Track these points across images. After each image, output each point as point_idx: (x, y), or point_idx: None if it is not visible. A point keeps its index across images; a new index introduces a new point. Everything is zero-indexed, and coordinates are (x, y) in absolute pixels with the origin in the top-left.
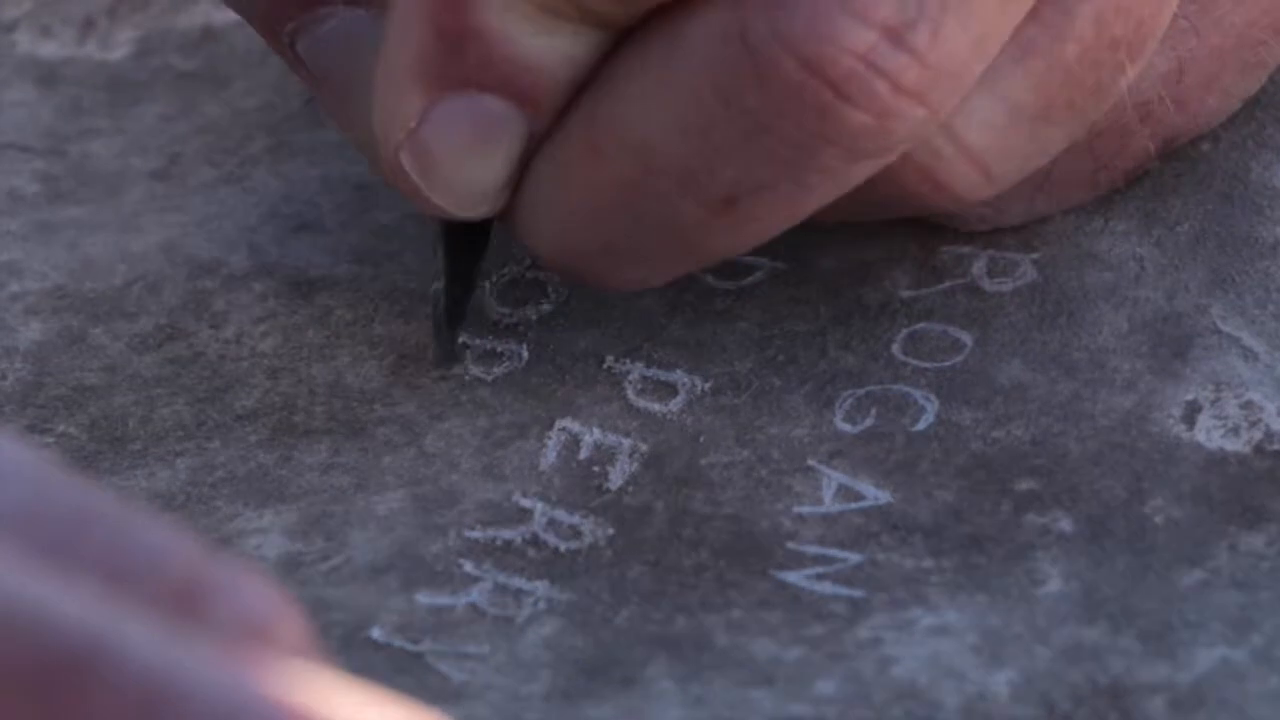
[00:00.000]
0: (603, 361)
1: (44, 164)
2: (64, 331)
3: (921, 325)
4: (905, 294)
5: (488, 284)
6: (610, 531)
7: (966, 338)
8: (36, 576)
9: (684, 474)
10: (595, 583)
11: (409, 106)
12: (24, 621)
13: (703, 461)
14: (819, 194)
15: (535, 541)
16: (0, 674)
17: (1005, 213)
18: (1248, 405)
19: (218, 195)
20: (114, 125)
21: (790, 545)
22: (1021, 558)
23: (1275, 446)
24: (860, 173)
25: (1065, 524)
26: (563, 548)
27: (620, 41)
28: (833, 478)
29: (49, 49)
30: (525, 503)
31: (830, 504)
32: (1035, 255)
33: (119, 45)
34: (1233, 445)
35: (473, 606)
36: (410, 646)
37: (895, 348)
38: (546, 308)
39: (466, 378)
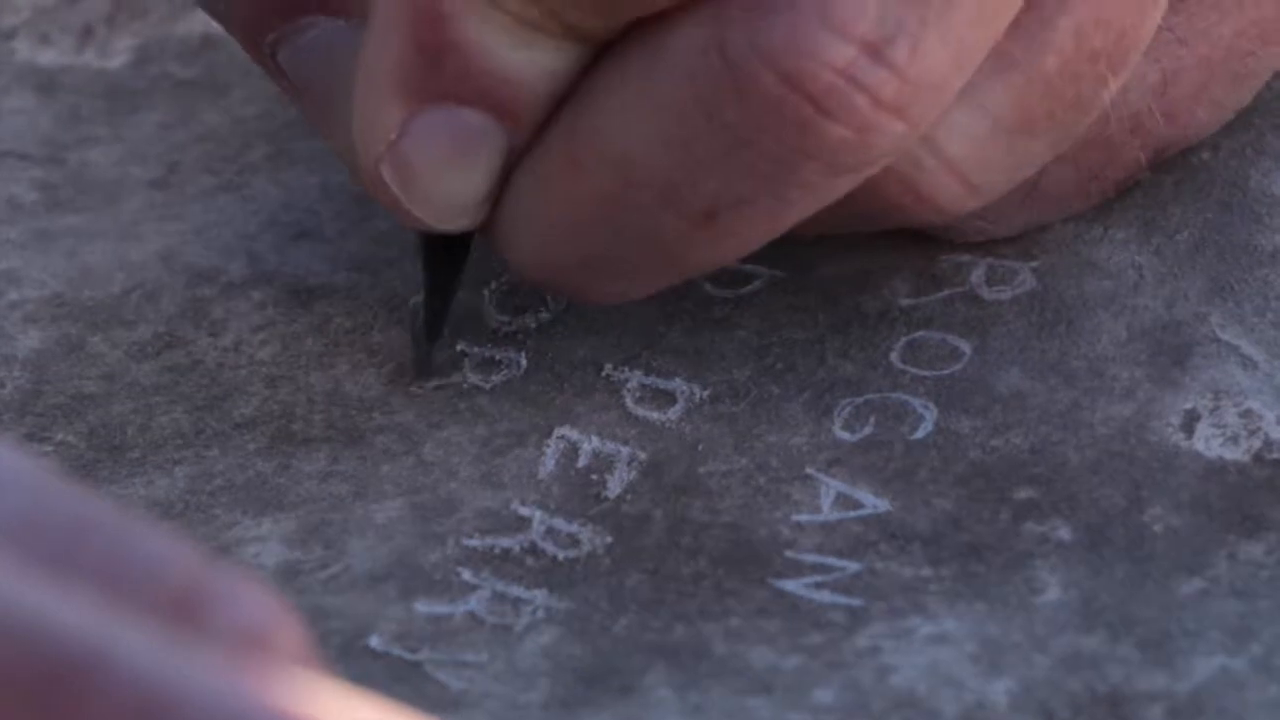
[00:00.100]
0: (601, 369)
1: (42, 172)
2: (62, 340)
3: (920, 333)
4: (904, 302)
5: (486, 292)
6: (608, 540)
7: (965, 346)
8: (35, 585)
9: (682, 482)
10: (593, 591)
11: (388, 119)
12: (22, 630)
13: (701, 470)
14: (799, 207)
15: (533, 550)
16: None
17: (1000, 224)
18: (1247, 414)
19: (216, 203)
20: (113, 133)
21: (789, 554)
22: (1020, 566)
23: (1274, 455)
24: (840, 186)
25: (1064, 532)
26: (561, 556)
27: (600, 55)
28: (831, 486)
29: (48, 57)
30: (524, 511)
31: (829, 512)
32: (1034, 263)
33: (118, 53)
34: (1232, 454)
35: (471, 615)
36: (408, 655)
37: (894, 356)
38: (545, 316)
39: (465, 386)
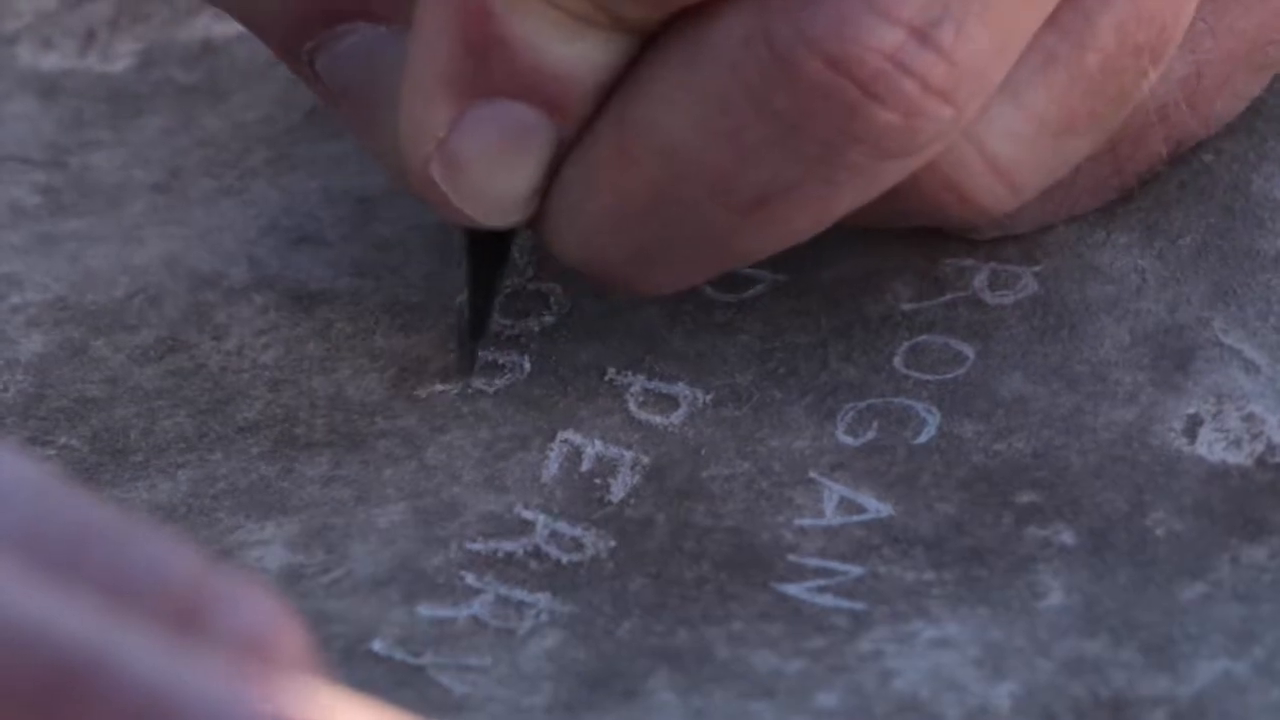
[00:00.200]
0: (604, 374)
1: (45, 176)
2: (65, 343)
3: (923, 338)
4: (907, 306)
5: None
6: (612, 544)
7: (968, 350)
8: (38, 590)
9: (685, 486)
10: (597, 595)
11: (437, 117)
12: (25, 635)
13: (704, 474)
14: (848, 195)
15: (537, 554)
16: (1, 688)
17: (1017, 219)
18: (1249, 418)
19: (219, 208)
20: (115, 138)
21: (791, 558)
22: (1023, 570)
23: (1277, 459)
24: (888, 173)
25: (1067, 537)
26: (564, 560)
27: (646, 46)
28: (834, 490)
29: (50, 61)
30: (527, 515)
31: (831, 516)
32: (1037, 268)
33: (120, 58)
34: (1234, 458)
35: (474, 619)
36: (412, 659)
37: (897, 360)
38: (548, 319)
39: (469, 389)
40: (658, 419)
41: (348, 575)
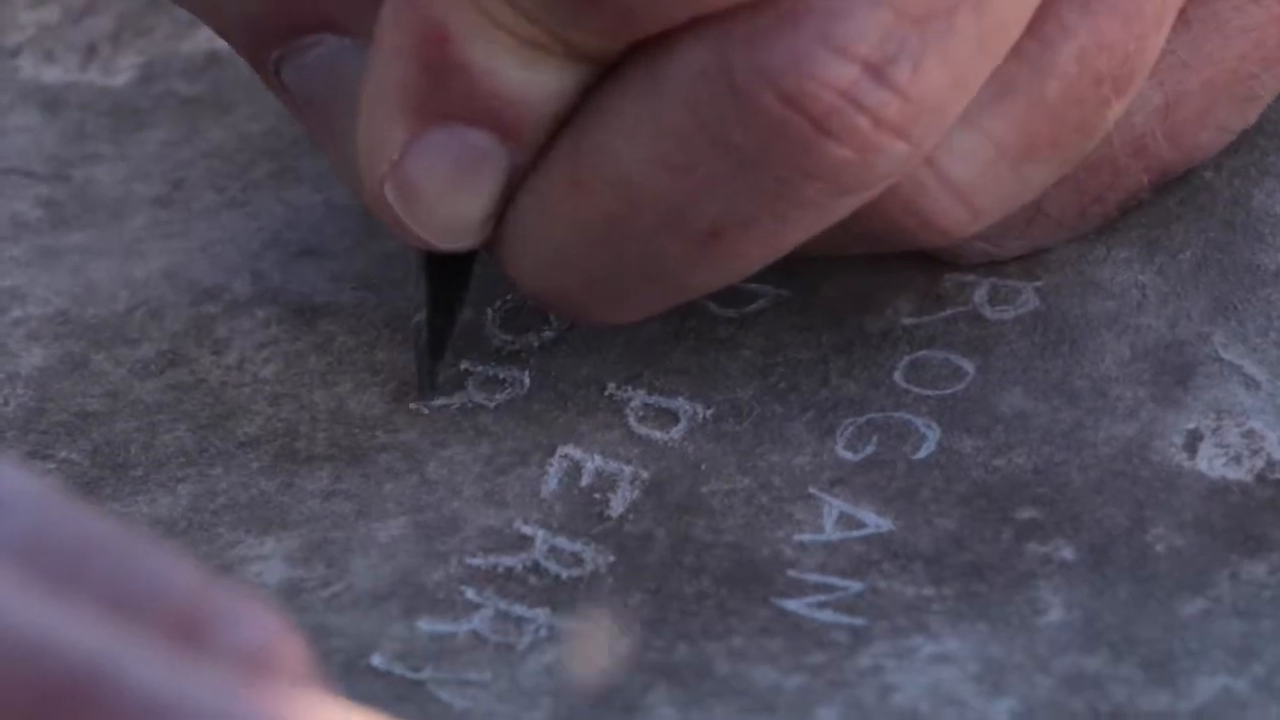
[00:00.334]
0: (604, 388)
1: (47, 189)
2: (66, 357)
3: (923, 353)
4: (907, 322)
5: (490, 310)
6: (611, 559)
7: (968, 365)
8: (38, 603)
9: (685, 501)
10: (596, 610)
11: (392, 138)
12: (25, 648)
13: (704, 489)
14: (801, 228)
15: (537, 569)
16: (1, 700)
17: (1002, 246)
18: (1249, 434)
19: (221, 221)
20: (117, 151)
21: (791, 573)
22: (1023, 586)
23: (1277, 475)
24: (843, 207)
25: (1067, 552)
26: (564, 575)
27: (603, 75)
28: (834, 505)
29: (53, 74)
30: (527, 530)
31: (831, 532)
32: (1037, 283)
33: (122, 71)
34: (1234, 474)
35: (474, 634)
36: (411, 674)
37: (897, 375)
38: (548, 334)
39: (469, 404)
40: (658, 434)
41: (348, 590)
